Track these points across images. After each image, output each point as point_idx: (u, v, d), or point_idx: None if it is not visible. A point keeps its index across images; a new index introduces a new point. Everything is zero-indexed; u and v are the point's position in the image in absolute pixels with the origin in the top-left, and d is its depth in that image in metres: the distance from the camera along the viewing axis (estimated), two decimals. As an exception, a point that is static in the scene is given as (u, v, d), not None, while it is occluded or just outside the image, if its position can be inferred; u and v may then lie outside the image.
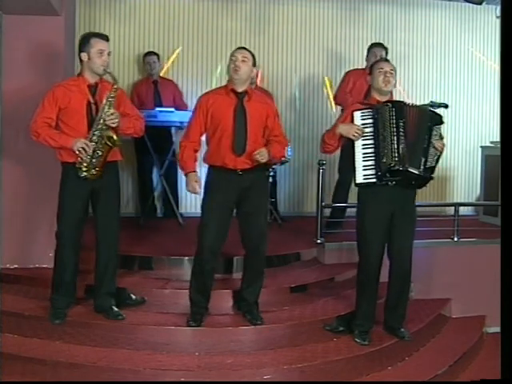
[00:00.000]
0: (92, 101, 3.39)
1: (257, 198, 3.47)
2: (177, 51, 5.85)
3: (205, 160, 3.50)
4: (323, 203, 4.58)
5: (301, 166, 6.18)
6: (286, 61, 6.09)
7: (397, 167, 3.30)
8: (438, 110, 3.53)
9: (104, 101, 3.34)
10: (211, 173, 3.47)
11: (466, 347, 3.90)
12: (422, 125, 3.39)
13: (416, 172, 3.34)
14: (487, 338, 4.28)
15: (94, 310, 3.55)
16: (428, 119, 3.41)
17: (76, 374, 3.07)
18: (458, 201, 6.15)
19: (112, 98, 3.35)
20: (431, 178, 3.42)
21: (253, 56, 3.45)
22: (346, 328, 3.57)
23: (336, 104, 5.36)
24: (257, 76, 5.57)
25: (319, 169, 4.51)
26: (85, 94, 3.38)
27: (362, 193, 3.49)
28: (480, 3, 5.79)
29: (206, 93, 3.58)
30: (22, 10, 3.91)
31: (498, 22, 5.84)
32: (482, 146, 5.99)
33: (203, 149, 3.53)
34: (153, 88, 5.58)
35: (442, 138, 3.46)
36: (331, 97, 5.94)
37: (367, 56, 5.11)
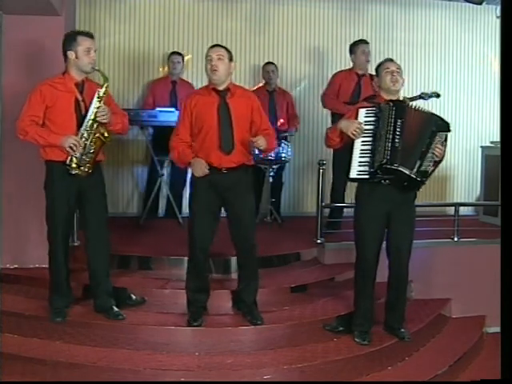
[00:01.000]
0: (80, 98, 3.39)
1: (242, 198, 3.47)
2: (187, 57, 5.85)
3: None
4: (323, 203, 4.59)
5: (301, 166, 6.18)
6: (285, 61, 6.09)
7: (387, 165, 3.29)
8: (442, 116, 3.48)
9: (95, 97, 3.34)
10: None
11: (466, 347, 3.90)
12: (424, 128, 3.36)
13: (407, 172, 3.30)
14: (487, 337, 4.28)
15: (93, 310, 3.55)
16: (433, 124, 3.37)
17: (76, 373, 3.07)
18: (458, 201, 6.15)
19: (103, 94, 3.35)
20: (423, 183, 3.37)
21: (228, 51, 3.45)
22: (346, 328, 3.57)
23: (325, 107, 5.26)
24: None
25: (319, 169, 4.51)
26: (72, 92, 3.38)
27: (359, 192, 3.50)
28: (480, 3, 5.79)
29: (189, 94, 3.62)
30: (22, 9, 3.91)
31: (498, 21, 5.84)
32: (482, 146, 5.99)
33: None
34: (170, 88, 5.57)
35: (444, 145, 3.39)
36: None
37: (353, 54, 5.06)
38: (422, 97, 4.05)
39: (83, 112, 3.37)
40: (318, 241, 4.55)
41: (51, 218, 3.44)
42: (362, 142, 3.38)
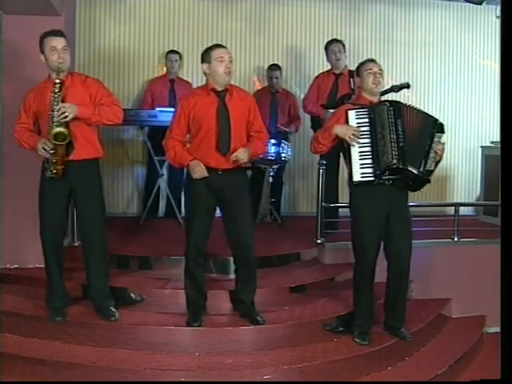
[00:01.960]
0: (53, 98, 3.31)
1: (238, 199, 3.46)
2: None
3: None
4: (323, 203, 4.58)
5: (301, 165, 6.18)
6: (285, 61, 6.08)
7: (397, 165, 3.30)
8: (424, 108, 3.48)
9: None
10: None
11: (466, 347, 3.90)
12: (424, 129, 3.39)
13: (415, 172, 3.33)
14: (487, 337, 4.28)
15: (94, 309, 3.54)
16: (431, 125, 3.41)
17: (76, 373, 3.07)
18: (458, 201, 6.15)
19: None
20: (428, 181, 3.41)
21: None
22: (346, 328, 3.57)
23: (305, 111, 5.26)
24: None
25: (319, 169, 4.50)
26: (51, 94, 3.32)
27: (355, 193, 3.47)
28: (480, 3, 5.79)
29: (187, 95, 3.61)
30: (22, 9, 3.91)
31: (498, 21, 5.84)
32: (482, 146, 5.99)
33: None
34: (169, 86, 5.58)
35: (443, 144, 3.44)
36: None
37: (326, 55, 5.09)
38: (392, 89, 4.06)
39: None
40: (318, 241, 4.55)
41: (40, 218, 3.45)
42: (360, 144, 3.38)
